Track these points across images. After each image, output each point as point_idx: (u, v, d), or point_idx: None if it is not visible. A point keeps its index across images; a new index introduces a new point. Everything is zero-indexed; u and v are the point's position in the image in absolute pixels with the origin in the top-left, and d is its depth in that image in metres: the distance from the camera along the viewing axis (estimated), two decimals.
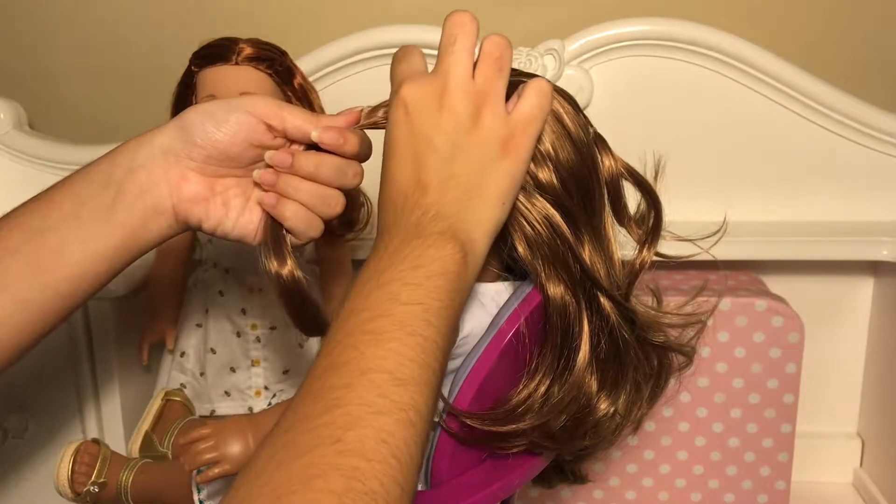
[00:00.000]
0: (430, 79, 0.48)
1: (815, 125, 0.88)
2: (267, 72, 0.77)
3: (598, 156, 0.58)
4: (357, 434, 0.36)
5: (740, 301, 0.82)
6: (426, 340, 0.41)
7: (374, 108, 0.54)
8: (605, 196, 0.58)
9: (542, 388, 0.56)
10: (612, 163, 0.58)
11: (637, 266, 0.60)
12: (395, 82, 0.49)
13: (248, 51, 0.76)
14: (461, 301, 0.46)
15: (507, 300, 0.57)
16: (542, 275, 0.54)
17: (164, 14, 0.99)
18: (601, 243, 0.57)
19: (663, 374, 0.64)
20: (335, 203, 0.53)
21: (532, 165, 0.54)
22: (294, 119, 0.52)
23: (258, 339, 0.82)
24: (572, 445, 0.60)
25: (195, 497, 0.66)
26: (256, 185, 0.53)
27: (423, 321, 0.42)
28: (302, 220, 0.52)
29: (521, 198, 0.53)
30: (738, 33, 0.87)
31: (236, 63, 0.75)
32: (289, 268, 0.53)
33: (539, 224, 0.53)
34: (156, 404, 0.79)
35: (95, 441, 0.74)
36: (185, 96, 0.79)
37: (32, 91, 1.03)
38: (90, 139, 0.99)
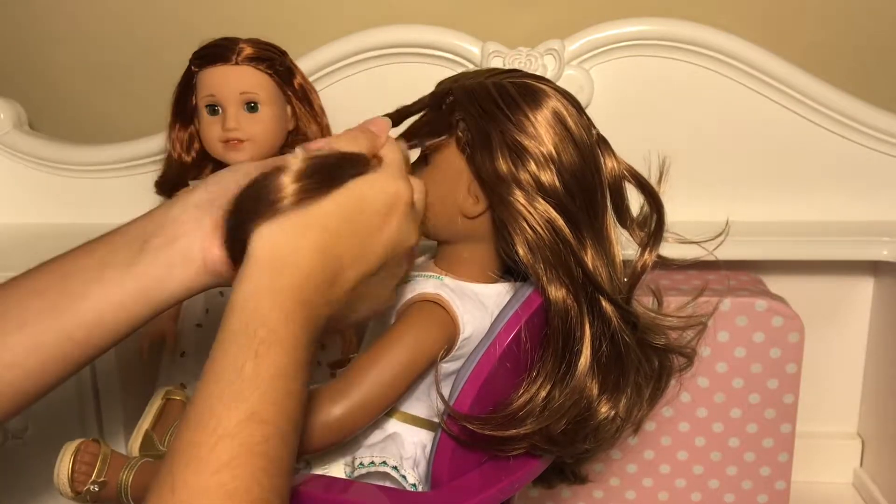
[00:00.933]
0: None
1: (816, 125, 0.88)
2: (267, 72, 0.77)
3: (601, 158, 0.57)
4: None
5: (740, 301, 0.82)
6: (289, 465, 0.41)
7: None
8: (608, 198, 0.58)
9: (543, 393, 0.56)
10: (615, 165, 0.58)
11: (639, 269, 0.60)
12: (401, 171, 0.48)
13: (248, 51, 0.76)
14: None
15: (508, 302, 0.57)
16: (544, 278, 0.54)
17: (165, 14, 0.99)
18: (603, 246, 0.57)
19: (664, 376, 0.64)
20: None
21: (535, 167, 0.53)
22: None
23: None
24: (573, 449, 0.60)
25: None
26: None
27: (289, 448, 0.41)
28: None
29: (522, 200, 0.53)
30: (738, 33, 0.87)
31: (236, 63, 0.75)
32: None
33: (541, 227, 0.53)
34: (156, 403, 0.79)
35: (95, 440, 0.74)
36: (185, 96, 0.79)
37: (32, 91, 1.03)
38: (90, 139, 0.99)
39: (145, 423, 0.78)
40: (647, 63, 0.88)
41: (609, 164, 0.58)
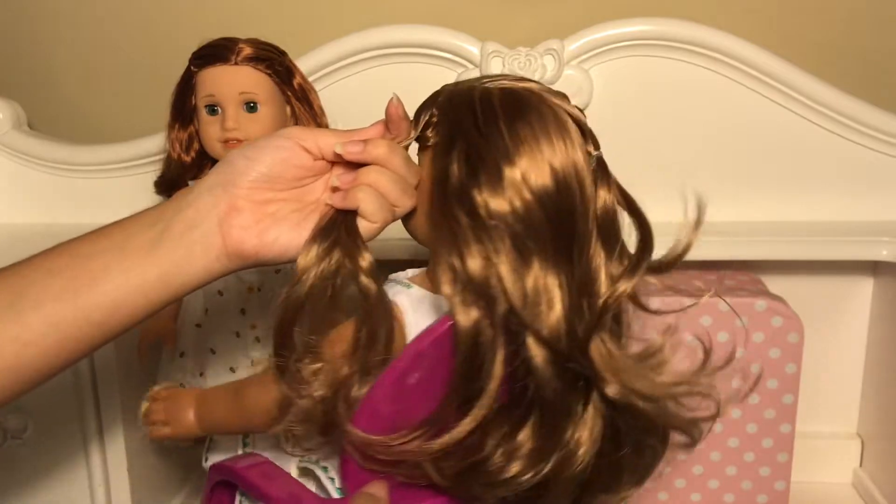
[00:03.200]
0: None
1: (816, 125, 0.88)
2: (266, 72, 0.77)
3: (589, 188, 0.51)
4: None
5: (740, 301, 0.82)
6: None
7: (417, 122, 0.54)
8: (592, 232, 0.52)
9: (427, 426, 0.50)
10: (608, 195, 0.53)
11: (607, 303, 0.51)
12: None
13: (247, 51, 0.76)
14: None
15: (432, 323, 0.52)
16: (457, 299, 0.48)
17: (164, 14, 0.99)
18: (568, 280, 0.50)
19: (648, 455, 0.56)
20: (406, 190, 0.52)
21: (486, 187, 0.49)
22: (325, 137, 0.53)
23: (257, 340, 0.82)
24: (465, 492, 0.54)
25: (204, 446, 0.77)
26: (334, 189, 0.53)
27: None
28: (374, 199, 0.51)
29: (464, 218, 0.49)
30: (738, 33, 0.87)
31: (236, 63, 0.76)
32: (368, 261, 0.50)
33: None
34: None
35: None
36: (184, 96, 0.79)
37: (32, 91, 1.03)
38: (90, 139, 0.99)
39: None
40: (647, 63, 0.88)
41: (602, 196, 0.53)
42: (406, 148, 0.54)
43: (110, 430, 0.84)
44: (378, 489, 0.53)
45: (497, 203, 0.48)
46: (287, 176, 0.53)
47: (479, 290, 0.48)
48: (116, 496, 0.83)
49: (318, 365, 0.50)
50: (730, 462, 0.86)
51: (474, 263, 0.48)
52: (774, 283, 0.88)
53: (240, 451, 0.76)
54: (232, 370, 0.82)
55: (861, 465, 0.96)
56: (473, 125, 0.50)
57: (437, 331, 0.51)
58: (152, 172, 0.87)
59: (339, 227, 0.50)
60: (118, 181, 0.97)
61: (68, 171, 0.97)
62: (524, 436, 0.50)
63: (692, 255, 0.63)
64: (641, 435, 0.55)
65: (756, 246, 0.86)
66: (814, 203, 0.91)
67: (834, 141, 0.89)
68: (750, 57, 0.86)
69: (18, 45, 1.03)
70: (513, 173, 0.49)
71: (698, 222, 0.53)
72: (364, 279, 0.50)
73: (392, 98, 0.52)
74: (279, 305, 0.50)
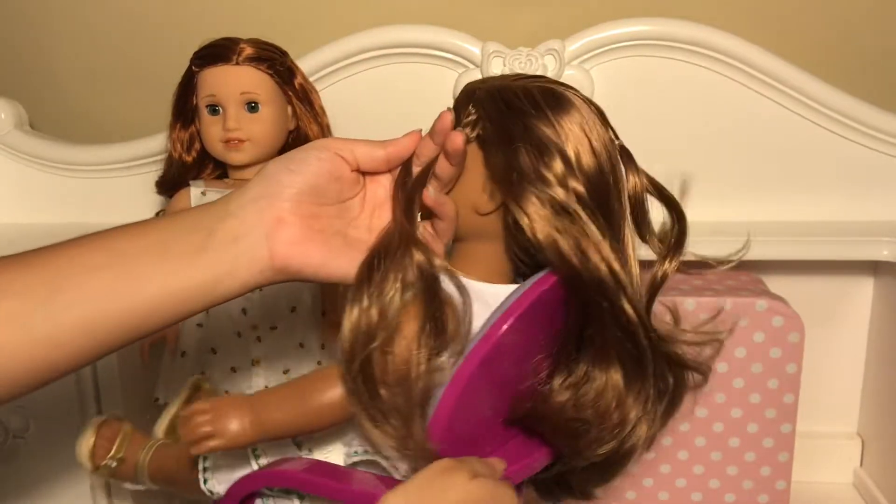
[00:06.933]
0: None
1: (816, 125, 0.88)
2: (267, 72, 0.77)
3: (622, 171, 0.57)
4: None
5: (741, 301, 0.82)
6: None
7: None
8: (626, 209, 0.57)
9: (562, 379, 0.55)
10: (637, 179, 0.58)
11: (658, 278, 0.58)
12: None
13: (248, 51, 0.76)
14: None
15: (501, 304, 0.54)
16: (565, 247, 0.52)
17: (165, 14, 0.99)
18: (622, 251, 0.56)
19: (678, 392, 0.62)
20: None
21: (556, 165, 0.54)
22: (361, 147, 0.53)
23: (259, 339, 0.82)
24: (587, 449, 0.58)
25: (199, 467, 0.69)
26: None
27: None
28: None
29: (541, 196, 0.53)
30: (738, 33, 0.87)
31: (237, 63, 0.76)
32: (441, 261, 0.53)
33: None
34: (185, 391, 0.79)
35: (119, 418, 0.76)
36: (185, 96, 0.79)
37: (32, 91, 1.03)
38: (90, 139, 1.00)
39: (173, 408, 0.78)
40: (647, 63, 0.88)
41: (631, 180, 0.58)
42: None
43: None
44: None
45: (564, 174, 0.53)
46: (330, 190, 0.52)
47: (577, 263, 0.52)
48: (117, 495, 0.84)
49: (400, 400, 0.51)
50: (730, 461, 0.86)
51: (565, 241, 0.52)
52: (774, 283, 0.89)
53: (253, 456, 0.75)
54: (233, 370, 0.82)
55: (861, 464, 0.96)
56: (524, 114, 0.55)
57: (528, 300, 0.53)
58: (153, 172, 0.88)
59: (402, 241, 0.52)
60: (119, 181, 0.97)
61: (69, 171, 0.97)
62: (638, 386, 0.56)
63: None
64: (672, 377, 0.60)
65: (756, 246, 0.86)
66: (814, 203, 0.91)
67: (834, 141, 0.89)
68: (750, 57, 0.86)
69: (20, 45, 1.03)
70: (568, 154, 0.54)
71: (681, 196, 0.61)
72: (449, 279, 0.53)
73: (445, 112, 0.53)
74: (350, 330, 0.50)
